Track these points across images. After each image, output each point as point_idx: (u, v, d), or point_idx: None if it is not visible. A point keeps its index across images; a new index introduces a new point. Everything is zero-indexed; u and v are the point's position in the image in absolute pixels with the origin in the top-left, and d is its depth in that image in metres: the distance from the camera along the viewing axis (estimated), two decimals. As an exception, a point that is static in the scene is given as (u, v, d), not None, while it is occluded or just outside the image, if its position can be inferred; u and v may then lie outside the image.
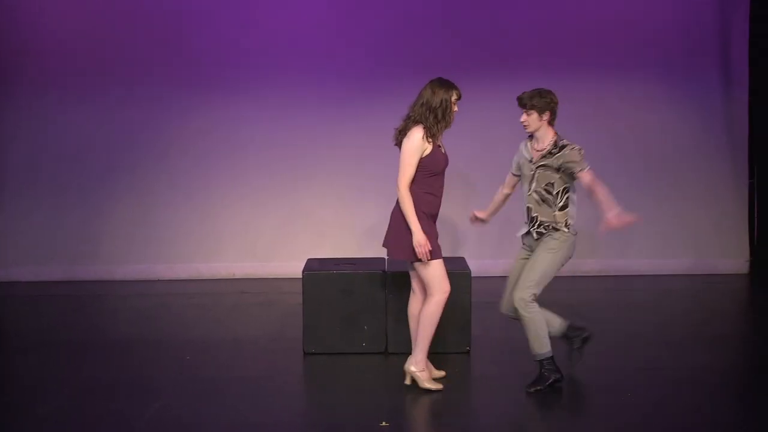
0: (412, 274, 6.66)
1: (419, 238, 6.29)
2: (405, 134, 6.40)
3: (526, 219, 6.64)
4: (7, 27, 10.46)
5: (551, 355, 6.55)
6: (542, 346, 6.53)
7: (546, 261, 6.49)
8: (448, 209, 10.33)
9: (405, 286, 7.30)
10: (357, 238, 10.51)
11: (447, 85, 6.42)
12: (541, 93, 6.56)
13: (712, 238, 10.71)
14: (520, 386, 6.59)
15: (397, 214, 6.48)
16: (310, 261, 7.96)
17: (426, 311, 6.49)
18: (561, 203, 6.52)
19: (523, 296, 6.48)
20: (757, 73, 10.60)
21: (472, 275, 7.55)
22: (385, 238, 6.58)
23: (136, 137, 10.58)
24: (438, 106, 6.35)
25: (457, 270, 7.45)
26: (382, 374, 6.97)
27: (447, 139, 6.59)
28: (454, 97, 6.41)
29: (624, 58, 10.59)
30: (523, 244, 6.72)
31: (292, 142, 10.58)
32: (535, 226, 6.55)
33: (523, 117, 6.57)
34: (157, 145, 10.56)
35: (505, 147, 10.13)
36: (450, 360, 7.25)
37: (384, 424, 5.87)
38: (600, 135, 10.58)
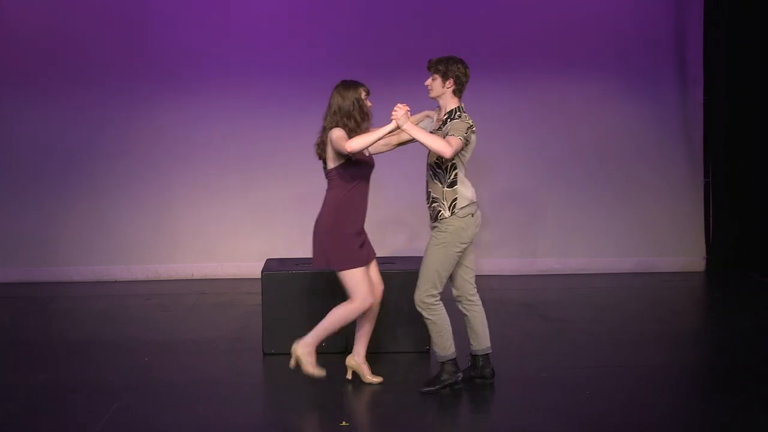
0: None
1: (391, 125, 6.16)
2: (323, 147, 6.43)
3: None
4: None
5: (454, 357, 6.51)
6: (444, 349, 6.47)
7: (437, 257, 6.38)
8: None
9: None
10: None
11: (353, 85, 6.43)
12: (449, 59, 6.40)
13: (669, 237, 10.82)
14: (480, 384, 6.63)
15: (317, 225, 6.46)
16: (269, 261, 7.93)
17: (339, 309, 6.46)
18: (450, 179, 6.37)
19: (423, 299, 6.42)
20: (712, 73, 10.72)
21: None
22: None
23: (93, 139, 10.49)
24: (353, 108, 6.36)
25: (417, 269, 7.45)
26: (342, 374, 6.95)
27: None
28: (363, 95, 6.42)
29: (582, 57, 10.67)
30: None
31: (249, 143, 10.54)
32: (429, 203, 6.48)
33: (428, 80, 6.47)
34: (114, 147, 10.48)
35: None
36: (410, 359, 7.27)
37: (344, 423, 5.87)
38: (558, 134, 10.68)
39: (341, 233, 6.36)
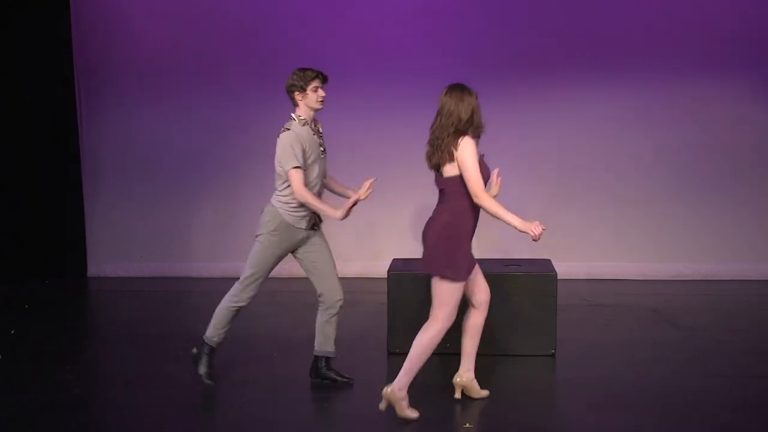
0: (466, 288, 6.15)
1: (524, 225, 5.71)
2: (441, 154, 5.85)
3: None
4: (95, 30, 10.70)
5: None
6: None
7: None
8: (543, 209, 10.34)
9: (492, 289, 7.30)
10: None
11: (468, 89, 5.91)
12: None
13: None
14: (606, 390, 6.57)
15: (432, 231, 5.96)
16: (395, 261, 7.98)
17: (421, 339, 6.02)
18: None
19: None
20: None
21: (558, 278, 7.47)
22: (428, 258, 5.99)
23: (223, 137, 10.72)
24: (472, 113, 5.86)
25: (543, 272, 7.42)
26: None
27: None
28: (476, 101, 5.90)
29: (724, 56, 10.34)
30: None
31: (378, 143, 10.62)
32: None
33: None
34: (243, 144, 10.68)
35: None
36: (535, 363, 7.22)
37: (467, 425, 5.87)
38: (696, 136, 10.40)
39: (459, 243, 5.90)
